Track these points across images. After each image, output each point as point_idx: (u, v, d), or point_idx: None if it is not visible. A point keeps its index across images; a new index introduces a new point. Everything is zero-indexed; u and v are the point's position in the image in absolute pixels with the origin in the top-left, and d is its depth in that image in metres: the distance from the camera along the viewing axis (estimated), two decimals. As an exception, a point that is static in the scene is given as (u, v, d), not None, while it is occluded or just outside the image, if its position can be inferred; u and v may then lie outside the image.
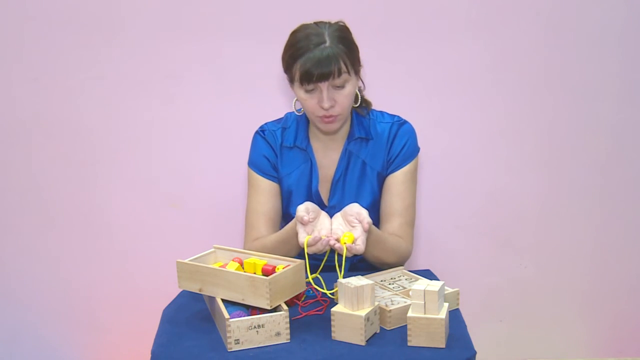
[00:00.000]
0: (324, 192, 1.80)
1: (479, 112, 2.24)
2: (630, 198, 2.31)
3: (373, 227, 1.57)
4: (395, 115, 1.82)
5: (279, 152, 1.79)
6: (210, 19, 2.15)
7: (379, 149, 1.77)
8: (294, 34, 1.64)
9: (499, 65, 2.20)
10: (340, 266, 1.50)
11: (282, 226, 1.87)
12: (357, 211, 1.49)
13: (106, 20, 2.14)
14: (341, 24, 1.67)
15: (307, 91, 1.62)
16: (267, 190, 1.80)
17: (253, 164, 1.81)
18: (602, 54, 2.20)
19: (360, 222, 1.48)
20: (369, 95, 1.87)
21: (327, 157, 1.79)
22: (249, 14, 2.15)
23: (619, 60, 2.20)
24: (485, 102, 2.23)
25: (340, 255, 1.48)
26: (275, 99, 2.11)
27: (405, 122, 1.80)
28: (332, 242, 1.45)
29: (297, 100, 1.70)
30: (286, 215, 1.81)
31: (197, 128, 2.24)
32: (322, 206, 1.76)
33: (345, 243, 1.46)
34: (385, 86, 2.13)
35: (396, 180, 1.76)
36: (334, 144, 1.78)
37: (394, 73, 2.19)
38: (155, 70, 2.18)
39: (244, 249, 1.75)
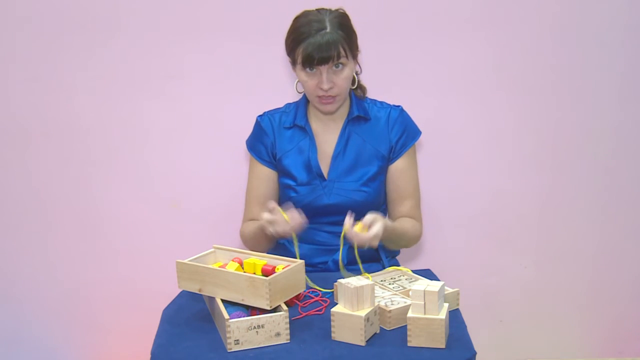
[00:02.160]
0: (324, 167, 1.86)
1: (481, 111, 2.24)
2: (631, 198, 2.31)
3: (391, 223, 1.74)
4: (391, 104, 1.91)
5: (277, 133, 1.88)
6: (210, 18, 2.15)
7: (378, 131, 1.86)
8: (296, 19, 1.75)
9: (502, 64, 2.20)
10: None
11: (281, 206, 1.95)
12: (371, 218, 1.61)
13: (105, 19, 2.14)
14: (341, 11, 1.77)
15: (307, 74, 1.73)
16: (261, 175, 1.90)
17: (251, 147, 1.93)
18: (606, 54, 2.19)
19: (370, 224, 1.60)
20: (371, 92, 1.92)
21: (327, 135, 1.87)
22: (250, 13, 2.15)
23: (622, 60, 2.20)
24: (488, 101, 2.23)
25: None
26: (276, 99, 2.10)
27: (402, 107, 1.90)
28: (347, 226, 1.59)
29: (298, 82, 1.80)
30: (287, 188, 1.87)
31: (197, 128, 2.23)
32: (322, 179, 1.84)
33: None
34: (387, 84, 2.13)
35: (403, 165, 1.87)
36: (333, 123, 1.87)
37: (396, 71, 2.19)
38: (155, 70, 2.18)
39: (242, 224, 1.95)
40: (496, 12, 2.16)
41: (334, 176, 1.84)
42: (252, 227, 1.87)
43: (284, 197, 1.89)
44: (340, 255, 1.69)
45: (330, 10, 1.75)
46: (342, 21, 1.72)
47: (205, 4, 2.14)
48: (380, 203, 1.90)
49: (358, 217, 1.82)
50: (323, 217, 1.84)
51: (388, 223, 1.70)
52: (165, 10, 2.14)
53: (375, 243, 1.60)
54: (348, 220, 1.60)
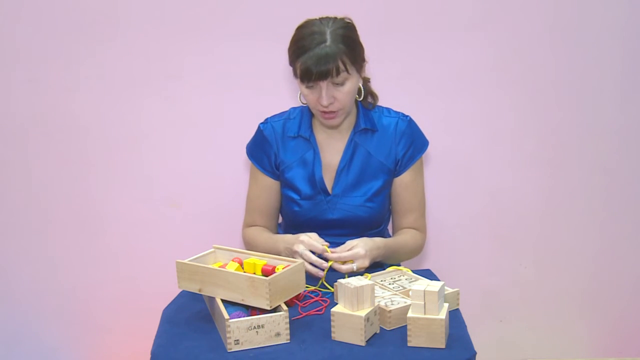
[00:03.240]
0: (328, 181, 1.83)
1: (481, 111, 2.24)
2: (631, 198, 2.31)
3: (383, 241, 1.73)
4: (399, 112, 1.86)
5: (280, 143, 1.84)
6: (210, 17, 2.15)
7: (385, 142, 1.82)
8: (298, 29, 1.69)
9: (503, 64, 2.20)
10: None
11: (281, 213, 1.95)
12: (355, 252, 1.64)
13: (105, 19, 2.14)
14: (347, 20, 1.71)
15: (308, 87, 1.67)
16: (263, 185, 1.87)
17: (251, 154, 1.89)
18: (607, 53, 2.19)
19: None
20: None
21: (332, 146, 1.83)
22: (250, 12, 2.15)
23: (623, 59, 2.20)
24: (488, 101, 2.23)
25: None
26: (277, 98, 2.11)
27: (410, 118, 1.85)
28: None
29: (301, 93, 1.76)
30: (290, 201, 1.84)
31: (197, 128, 2.23)
32: (325, 194, 1.81)
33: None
34: (389, 84, 2.12)
35: (409, 178, 1.84)
36: (339, 134, 1.83)
37: (397, 71, 2.19)
38: (155, 69, 2.18)
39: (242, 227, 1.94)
40: (497, 13, 2.16)
41: (338, 191, 1.81)
42: (263, 239, 1.83)
43: (286, 209, 1.87)
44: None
45: (334, 19, 1.68)
46: (345, 33, 1.65)
47: (205, 4, 2.14)
48: (383, 216, 1.89)
49: (361, 232, 1.83)
50: (325, 230, 1.82)
51: (378, 241, 1.70)
52: (165, 11, 2.14)
53: (364, 263, 1.63)
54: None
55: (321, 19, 1.68)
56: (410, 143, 1.82)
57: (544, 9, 2.16)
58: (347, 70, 1.64)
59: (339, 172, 1.81)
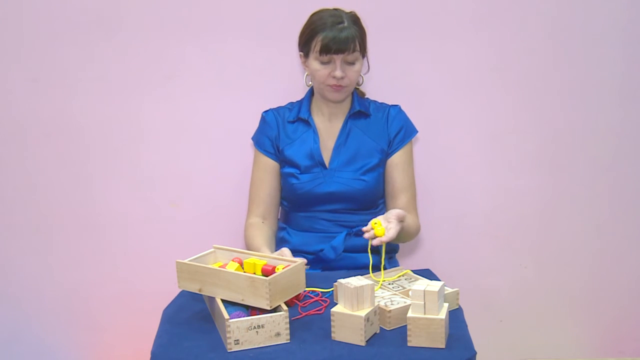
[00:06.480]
0: (326, 157, 1.94)
1: (481, 111, 2.23)
2: (631, 198, 2.31)
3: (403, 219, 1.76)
4: (389, 104, 2.01)
5: (281, 127, 1.97)
6: (209, 17, 2.15)
7: (377, 127, 1.96)
8: (314, 14, 1.88)
9: (503, 64, 2.19)
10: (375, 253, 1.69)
11: (282, 197, 2.01)
12: (397, 212, 1.69)
13: (104, 19, 2.14)
14: (353, 12, 1.90)
15: (322, 62, 1.84)
16: (265, 167, 1.97)
17: (256, 140, 2.01)
18: (607, 54, 2.19)
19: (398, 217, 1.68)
20: (373, 92, 1.99)
21: (329, 128, 1.97)
22: (249, 12, 2.15)
23: (623, 60, 2.19)
24: (488, 101, 2.23)
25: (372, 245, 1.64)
26: (276, 98, 2.11)
27: (400, 107, 2.01)
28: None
29: (307, 75, 1.92)
30: (289, 176, 1.92)
31: (197, 127, 2.23)
32: (323, 167, 1.92)
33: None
34: (389, 84, 2.13)
35: (400, 159, 1.96)
36: (336, 118, 1.97)
37: (397, 71, 2.19)
38: (154, 69, 2.18)
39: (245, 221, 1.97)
40: (497, 13, 2.16)
41: (335, 165, 1.92)
42: (255, 246, 1.86)
43: (286, 187, 1.95)
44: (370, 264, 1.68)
45: (344, 10, 1.88)
46: (357, 20, 1.87)
47: (204, 4, 2.14)
48: (378, 194, 1.96)
49: (356, 208, 1.92)
50: (322, 205, 1.91)
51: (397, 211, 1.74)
52: (164, 10, 2.14)
53: (392, 232, 1.62)
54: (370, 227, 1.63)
55: (334, 8, 1.88)
56: (401, 126, 1.97)
57: (545, 9, 2.16)
58: (359, 51, 1.84)
59: (335, 148, 1.93)
